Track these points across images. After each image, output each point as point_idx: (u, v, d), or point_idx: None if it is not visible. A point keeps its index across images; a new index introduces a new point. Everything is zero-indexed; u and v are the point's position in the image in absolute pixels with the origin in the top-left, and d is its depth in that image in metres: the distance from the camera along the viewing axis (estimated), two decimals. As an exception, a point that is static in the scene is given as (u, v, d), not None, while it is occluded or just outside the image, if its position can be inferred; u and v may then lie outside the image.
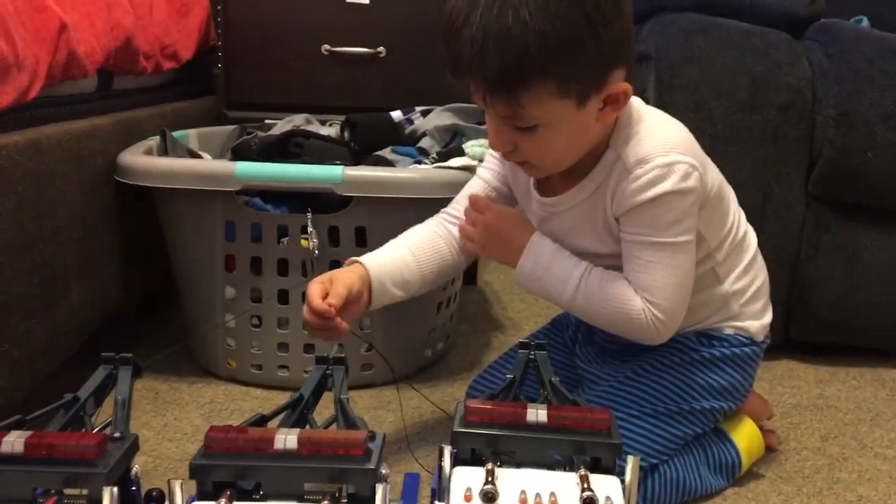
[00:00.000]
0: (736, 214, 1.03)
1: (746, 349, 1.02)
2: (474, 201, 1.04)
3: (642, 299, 0.92)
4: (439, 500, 0.67)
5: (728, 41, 1.36)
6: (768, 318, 1.06)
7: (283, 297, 1.26)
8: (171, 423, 1.17)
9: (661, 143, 0.91)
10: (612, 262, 0.96)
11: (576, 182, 0.95)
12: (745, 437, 1.05)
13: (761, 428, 1.09)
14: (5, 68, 0.98)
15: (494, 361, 1.18)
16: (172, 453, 1.08)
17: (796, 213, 1.39)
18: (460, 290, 1.49)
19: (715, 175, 0.98)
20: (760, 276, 1.06)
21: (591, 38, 0.81)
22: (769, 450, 1.11)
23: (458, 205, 1.08)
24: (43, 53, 1.08)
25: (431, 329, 1.38)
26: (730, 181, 1.14)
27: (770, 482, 1.05)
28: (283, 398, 1.25)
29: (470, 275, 1.88)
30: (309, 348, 1.28)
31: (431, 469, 0.90)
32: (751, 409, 1.09)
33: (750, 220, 1.22)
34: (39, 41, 1.07)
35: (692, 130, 1.12)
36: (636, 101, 0.95)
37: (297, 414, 0.75)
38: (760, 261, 1.07)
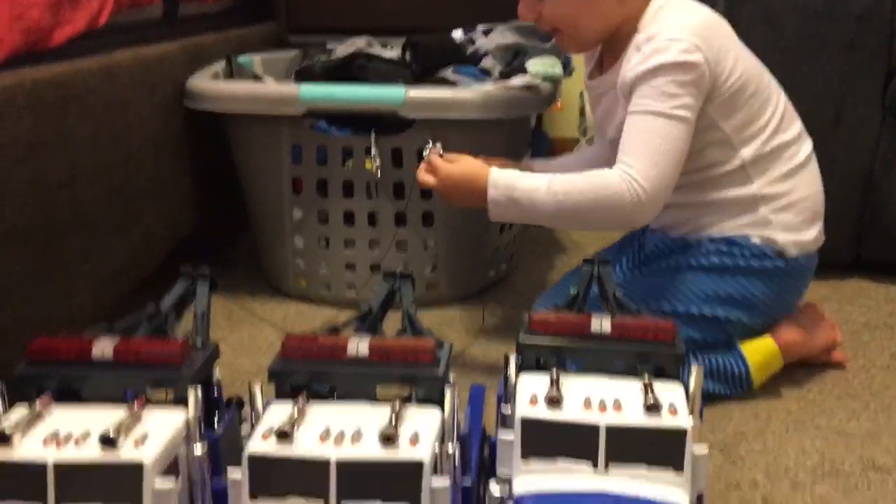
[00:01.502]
0: (778, 117, 1.00)
1: (769, 263, 1.00)
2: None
3: (624, 170, 0.92)
4: (506, 405, 0.69)
5: (802, -52, 1.30)
6: (809, 236, 1.02)
7: (349, 218, 1.28)
8: (245, 339, 1.22)
9: (672, 23, 0.94)
10: None
11: (610, 63, 1.02)
12: (757, 350, 1.03)
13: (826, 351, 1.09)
14: (76, -6, 1.00)
15: (559, 281, 1.19)
16: (248, 367, 1.12)
17: (871, 127, 1.35)
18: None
19: (744, 67, 0.97)
20: (805, 189, 1.02)
21: None
22: (837, 366, 1.10)
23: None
24: (110, -21, 1.10)
25: (495, 249, 1.40)
26: (802, 95, 1.12)
27: (837, 398, 1.04)
28: (352, 315, 1.30)
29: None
30: (375, 268, 1.31)
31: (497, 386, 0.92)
32: (786, 338, 1.06)
33: (822, 134, 1.19)
34: (106, -33, 1.09)
35: (763, 45, 1.11)
36: None
37: (367, 325, 0.77)
38: (811, 176, 1.04)
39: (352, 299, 1.32)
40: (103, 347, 0.64)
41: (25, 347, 0.65)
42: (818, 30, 1.30)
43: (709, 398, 1.00)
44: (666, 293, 1.01)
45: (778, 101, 1.02)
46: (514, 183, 0.97)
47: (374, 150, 1.22)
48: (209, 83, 1.26)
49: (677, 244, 1.05)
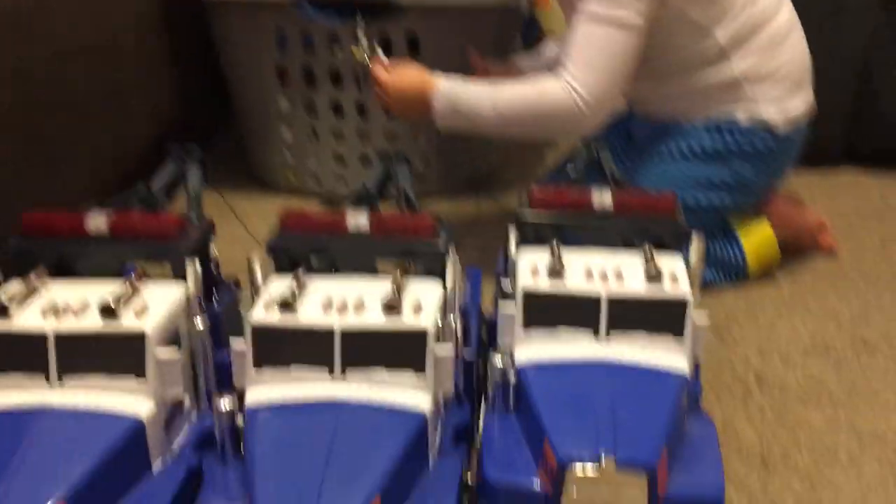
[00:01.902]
0: None
1: (760, 143, 0.99)
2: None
3: (565, 78, 0.91)
4: (505, 280, 0.69)
5: None
6: (796, 106, 1.01)
7: (337, 109, 1.26)
8: (236, 232, 1.20)
9: None
10: None
11: None
12: (754, 237, 1.04)
13: (814, 232, 1.09)
14: None
15: (555, 169, 1.18)
16: (241, 257, 1.11)
17: (871, 15, 1.32)
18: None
19: None
20: (785, 55, 1.00)
21: None
22: (824, 251, 1.11)
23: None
24: None
25: (487, 142, 1.37)
26: None
27: (828, 281, 1.05)
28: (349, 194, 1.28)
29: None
30: (366, 160, 1.29)
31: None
32: (784, 215, 1.07)
33: (821, 20, 1.16)
34: None
35: None
36: None
37: (364, 204, 0.76)
38: (792, 42, 1.01)
39: (342, 193, 1.30)
40: (98, 222, 0.63)
41: (17, 221, 0.64)
42: None
43: (703, 285, 1.01)
44: (657, 182, 1.00)
45: None
46: (458, 95, 0.97)
47: (361, 37, 1.18)
48: (190, -34, 1.21)
49: (664, 130, 1.03)
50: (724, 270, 1.03)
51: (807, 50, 1.03)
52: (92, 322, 0.56)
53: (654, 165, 1.00)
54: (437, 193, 1.31)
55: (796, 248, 1.09)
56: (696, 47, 0.97)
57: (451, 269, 0.63)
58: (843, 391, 0.83)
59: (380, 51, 1.07)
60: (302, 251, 0.64)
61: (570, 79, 0.91)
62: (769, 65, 0.98)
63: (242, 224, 1.14)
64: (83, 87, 0.96)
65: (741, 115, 0.99)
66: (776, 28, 1.00)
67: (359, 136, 1.28)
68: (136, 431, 0.55)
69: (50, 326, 0.56)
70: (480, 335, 0.75)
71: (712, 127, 0.99)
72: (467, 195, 1.32)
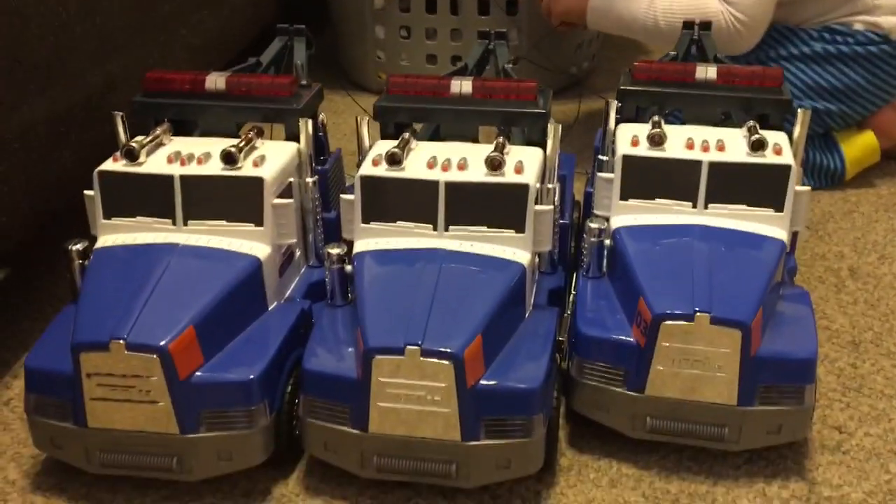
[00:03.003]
0: None
1: (874, 48, 0.95)
2: None
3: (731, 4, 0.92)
4: (603, 155, 0.70)
5: None
6: None
7: (431, 6, 1.26)
8: (331, 125, 1.23)
9: None
10: None
11: None
12: (856, 146, 1.01)
13: None
14: None
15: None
16: (338, 144, 1.14)
17: None
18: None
19: None
20: None
21: None
22: None
23: None
24: None
25: (578, 45, 1.36)
26: None
27: (925, 187, 1.03)
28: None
29: None
30: (456, 59, 1.29)
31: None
32: (890, 124, 1.02)
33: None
34: None
35: None
36: None
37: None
38: None
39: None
40: (216, 80, 0.66)
41: (141, 81, 0.67)
42: None
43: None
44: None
45: None
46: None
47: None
48: None
49: (778, 33, 1.00)
50: (822, 178, 1.01)
51: None
52: (214, 167, 0.60)
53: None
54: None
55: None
56: None
57: (553, 133, 0.64)
58: (941, 286, 0.82)
59: None
60: (407, 115, 0.66)
61: (727, 6, 0.93)
62: None
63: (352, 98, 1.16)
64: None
65: (857, 22, 0.96)
66: None
67: (450, 35, 1.28)
68: (255, 270, 0.58)
69: (175, 170, 0.60)
70: (573, 218, 0.77)
71: (825, 31, 0.97)
72: (558, 100, 1.31)
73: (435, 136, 0.69)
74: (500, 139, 0.63)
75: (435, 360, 0.52)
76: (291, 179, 0.64)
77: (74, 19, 0.72)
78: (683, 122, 0.71)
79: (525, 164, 0.61)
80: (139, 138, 0.62)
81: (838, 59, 0.97)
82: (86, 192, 0.61)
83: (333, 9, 1.37)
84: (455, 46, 1.29)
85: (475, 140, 0.67)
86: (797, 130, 0.65)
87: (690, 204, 0.64)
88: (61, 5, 0.70)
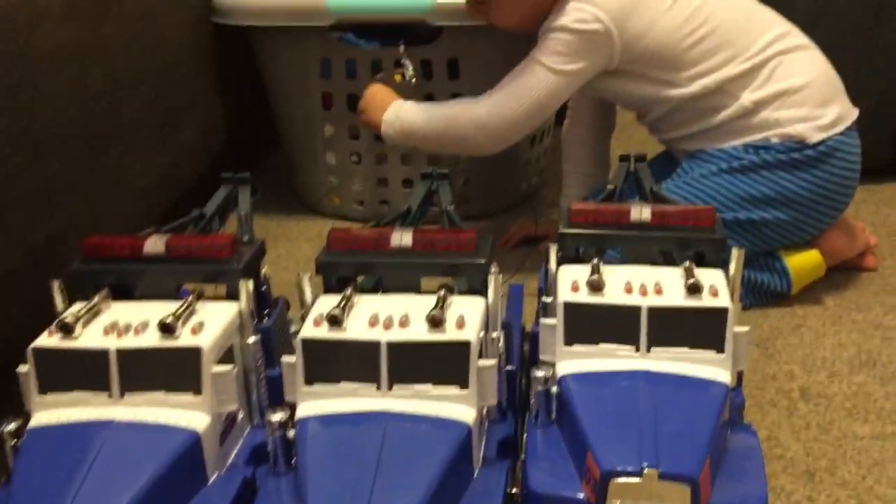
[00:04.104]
0: (743, 41, 1.00)
1: (797, 154, 0.99)
2: None
3: (485, 98, 1.03)
4: (546, 297, 0.70)
5: None
6: (829, 117, 1.00)
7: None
8: (283, 254, 1.24)
9: None
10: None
11: None
12: (801, 264, 1.03)
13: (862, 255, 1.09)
14: None
15: (591, 192, 1.19)
16: (288, 279, 1.14)
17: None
18: (553, 127, 1.49)
19: (672, 25, 1.00)
20: (802, 78, 1.00)
21: None
22: (868, 270, 1.10)
23: None
24: None
25: (527, 162, 1.40)
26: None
27: (873, 294, 1.05)
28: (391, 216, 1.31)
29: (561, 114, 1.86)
30: (408, 183, 1.31)
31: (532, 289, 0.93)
32: (833, 244, 1.05)
33: (861, 31, 1.15)
34: None
35: None
36: None
37: (407, 223, 0.78)
38: (804, 65, 1.01)
39: (386, 214, 1.32)
40: (155, 244, 0.66)
41: (78, 246, 0.67)
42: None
43: (745, 309, 1.01)
44: (697, 202, 1.00)
45: (733, 26, 1.01)
46: (407, 106, 1.08)
47: (405, 61, 1.21)
48: (235, -3, 1.25)
49: (702, 155, 1.04)
50: (769, 296, 1.03)
51: (827, 68, 1.03)
52: (151, 339, 0.59)
53: (694, 185, 1.01)
54: (478, 215, 1.33)
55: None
56: (698, 96, 1.01)
57: (493, 283, 0.64)
58: (890, 404, 0.82)
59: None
60: (349, 269, 0.66)
61: (487, 98, 1.03)
62: (783, 92, 0.99)
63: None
64: (138, 115, 1.00)
65: (773, 136, 1.00)
66: (781, 58, 1.00)
67: (401, 160, 1.31)
68: (193, 444, 0.57)
69: (111, 343, 0.59)
70: (523, 351, 0.77)
71: (749, 148, 1.00)
72: (509, 216, 1.34)
73: (379, 283, 0.69)
74: (442, 292, 0.63)
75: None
76: (233, 342, 0.63)
77: (20, 171, 0.72)
78: (623, 258, 0.72)
79: (467, 317, 0.61)
80: (74, 309, 0.61)
81: (766, 167, 1.00)
82: (19, 369, 0.60)
83: (284, 134, 1.39)
84: (406, 170, 1.31)
85: (418, 289, 0.67)
86: (732, 268, 0.66)
87: (633, 348, 0.64)
88: (6, 158, 0.70)
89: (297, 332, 0.60)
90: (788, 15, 1.06)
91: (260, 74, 1.34)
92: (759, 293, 1.02)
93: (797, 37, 1.04)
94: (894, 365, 0.89)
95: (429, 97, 1.25)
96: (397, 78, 1.25)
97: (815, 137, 0.99)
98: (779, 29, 1.03)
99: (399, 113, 1.08)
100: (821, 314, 1.00)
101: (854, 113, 1.03)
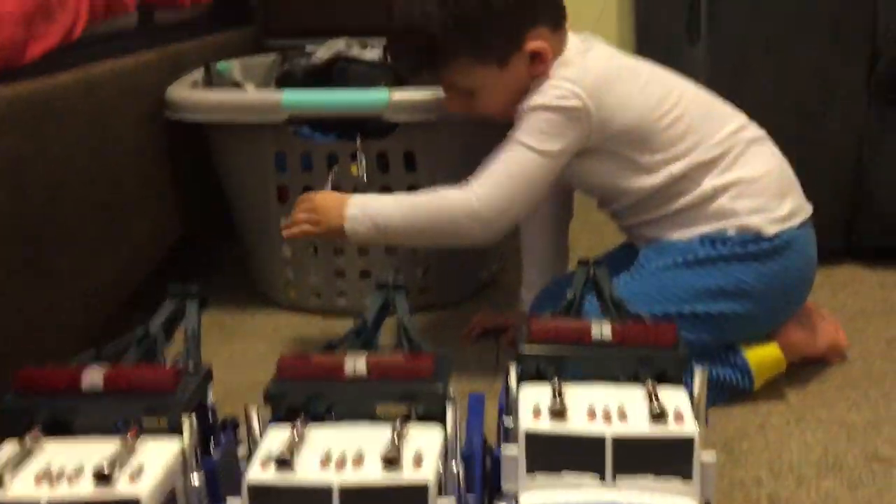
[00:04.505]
0: (705, 129, 1.02)
1: (752, 247, 0.99)
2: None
3: (468, 188, 0.99)
4: (507, 416, 0.68)
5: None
6: (784, 210, 1.01)
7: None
8: (237, 352, 1.20)
9: (561, 74, 1.00)
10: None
11: None
12: (760, 358, 1.02)
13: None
14: (47, 10, 0.98)
15: (552, 281, 1.18)
16: (241, 382, 1.09)
17: (859, 111, 1.34)
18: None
19: (645, 105, 1.01)
20: (759, 168, 1.01)
21: (486, 12, 0.98)
22: (836, 359, 1.10)
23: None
24: (83, -8, 1.07)
25: (486, 251, 1.38)
26: (788, 78, 1.19)
27: (837, 388, 1.04)
28: (344, 324, 1.27)
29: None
30: (365, 275, 1.29)
31: (495, 390, 0.91)
32: (791, 337, 1.05)
33: (809, 117, 1.17)
34: (79, -21, 1.06)
35: (747, 28, 1.23)
36: (577, 43, 1.04)
37: (362, 339, 0.76)
38: (762, 157, 1.03)
39: (343, 307, 1.30)
40: (93, 377, 0.63)
41: (12, 378, 0.63)
42: (802, 12, 1.30)
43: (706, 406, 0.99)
44: (656, 295, 0.99)
45: (698, 113, 1.03)
46: (368, 202, 1.03)
47: (360, 155, 1.20)
48: (188, 92, 1.24)
49: (658, 247, 1.04)
50: (727, 391, 1.01)
51: (783, 161, 1.05)
52: (86, 488, 0.55)
53: (651, 279, 1.00)
54: (438, 305, 1.31)
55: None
56: (659, 182, 1.01)
57: (452, 413, 0.62)
58: (859, 512, 0.81)
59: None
60: (300, 399, 0.63)
61: (472, 188, 0.99)
62: (740, 182, 1.00)
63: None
64: (84, 220, 0.97)
65: (729, 229, 1.00)
66: (741, 148, 1.02)
67: (358, 252, 1.29)
68: None
69: (43, 495, 0.54)
70: (485, 467, 0.74)
71: (705, 240, 1.00)
72: (470, 304, 1.32)
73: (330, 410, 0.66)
74: (398, 423, 0.61)
75: None
76: (175, 485, 0.59)
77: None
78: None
79: (424, 451, 0.58)
80: (4, 455, 0.57)
81: (722, 260, 0.99)
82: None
83: (239, 226, 1.36)
84: (363, 261, 1.29)
85: (373, 416, 0.65)
86: (696, 388, 0.65)
87: (598, 476, 0.62)
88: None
89: (245, 474, 0.57)
90: (740, 106, 1.07)
91: (214, 167, 1.32)
92: (721, 389, 1.01)
93: (755, 129, 1.06)
94: (860, 468, 0.88)
95: (385, 189, 1.24)
96: (353, 169, 1.23)
97: (771, 230, 1.00)
98: (739, 120, 1.05)
99: (364, 209, 1.02)
100: (784, 412, 0.99)
101: (809, 209, 1.04)
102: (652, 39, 1.25)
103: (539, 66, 1.01)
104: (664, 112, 1.02)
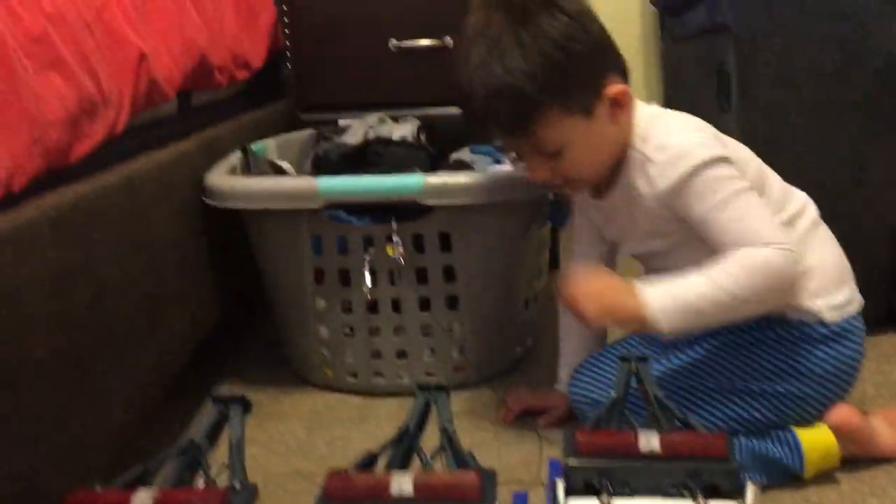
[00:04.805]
0: (777, 198, 1.02)
1: (811, 331, 0.99)
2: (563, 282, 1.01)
3: (755, 245, 0.94)
4: (556, 532, 0.67)
5: (812, 6, 1.30)
6: (841, 297, 1.01)
7: (372, 306, 1.27)
8: (275, 436, 1.20)
9: (674, 129, 1.01)
10: (681, 238, 1.02)
11: (613, 182, 1.05)
12: (813, 441, 0.99)
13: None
14: (92, 106, 1.00)
15: (589, 358, 1.17)
16: (280, 468, 1.10)
17: (893, 182, 1.33)
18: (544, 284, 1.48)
19: (746, 162, 1.02)
20: (821, 252, 1.02)
21: (568, 59, 0.96)
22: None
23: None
24: (125, 86, 1.10)
25: (521, 325, 1.38)
26: (822, 154, 1.22)
27: (887, 473, 1.01)
28: (380, 405, 1.28)
29: (553, 257, 1.86)
30: (402, 355, 1.29)
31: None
32: (847, 418, 1.00)
33: (844, 192, 1.16)
34: (121, 74, 1.09)
35: (778, 108, 1.23)
36: (648, 106, 1.05)
37: (404, 447, 0.75)
38: (823, 239, 1.04)
39: (380, 387, 1.30)
40: (142, 501, 0.63)
41: (63, 502, 0.63)
42: (834, 89, 1.30)
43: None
44: (712, 371, 1.00)
45: (772, 184, 1.05)
46: (677, 297, 0.94)
47: (395, 238, 1.21)
48: (227, 180, 1.26)
49: (710, 329, 1.02)
50: (778, 475, 0.99)
51: (837, 245, 1.05)
52: None
53: (708, 355, 1.01)
54: (474, 384, 1.31)
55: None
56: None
57: (500, 536, 0.61)
58: None
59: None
60: (347, 520, 0.63)
61: (762, 242, 0.94)
62: (804, 261, 0.98)
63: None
64: (127, 319, 0.98)
65: (790, 313, 0.99)
66: (806, 226, 1.03)
67: (394, 331, 1.29)
68: None
69: None
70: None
71: (764, 321, 1.00)
72: (506, 380, 1.31)
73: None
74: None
75: None
76: None
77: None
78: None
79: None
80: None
81: (779, 342, 0.99)
82: None
83: (276, 308, 1.37)
84: (399, 341, 1.29)
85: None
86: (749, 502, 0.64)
87: None
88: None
89: None
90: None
91: (251, 249, 1.33)
92: (771, 469, 0.99)
93: (815, 208, 1.06)
94: (917, 564, 0.85)
95: (421, 270, 1.25)
96: (389, 251, 1.24)
97: (828, 316, 1.00)
98: (803, 196, 1.06)
99: (663, 304, 0.93)
100: (836, 500, 0.96)
101: (861, 300, 1.04)
102: (680, 106, 1.24)
103: (620, 114, 1.01)
104: (755, 165, 1.04)
